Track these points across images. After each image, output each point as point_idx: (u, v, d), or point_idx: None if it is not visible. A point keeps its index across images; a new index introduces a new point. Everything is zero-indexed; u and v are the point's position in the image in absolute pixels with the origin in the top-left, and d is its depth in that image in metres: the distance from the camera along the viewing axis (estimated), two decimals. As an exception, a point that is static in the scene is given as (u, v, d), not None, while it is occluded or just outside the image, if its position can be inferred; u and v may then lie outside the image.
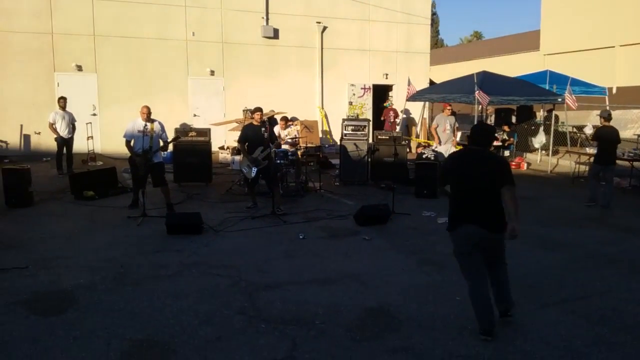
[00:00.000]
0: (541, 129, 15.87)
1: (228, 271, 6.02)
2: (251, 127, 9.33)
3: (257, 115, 9.30)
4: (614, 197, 10.14)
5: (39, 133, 14.73)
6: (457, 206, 4.69)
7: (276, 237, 7.60)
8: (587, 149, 13.42)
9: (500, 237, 4.56)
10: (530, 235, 7.89)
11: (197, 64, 16.69)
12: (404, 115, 18.16)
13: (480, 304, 4.49)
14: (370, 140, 12.46)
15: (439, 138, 12.43)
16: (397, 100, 18.75)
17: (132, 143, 8.78)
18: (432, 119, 19.42)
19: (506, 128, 15.90)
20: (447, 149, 12.08)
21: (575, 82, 15.98)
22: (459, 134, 13.25)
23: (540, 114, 17.81)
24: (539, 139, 15.88)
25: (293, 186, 10.93)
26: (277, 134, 11.31)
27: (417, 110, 17.67)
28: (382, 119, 17.63)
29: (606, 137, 9.92)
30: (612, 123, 10.25)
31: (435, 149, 12.40)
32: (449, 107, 12.70)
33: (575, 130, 17.63)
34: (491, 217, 4.48)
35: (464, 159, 4.78)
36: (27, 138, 14.94)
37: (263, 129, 9.12)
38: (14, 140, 14.84)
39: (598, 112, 12.02)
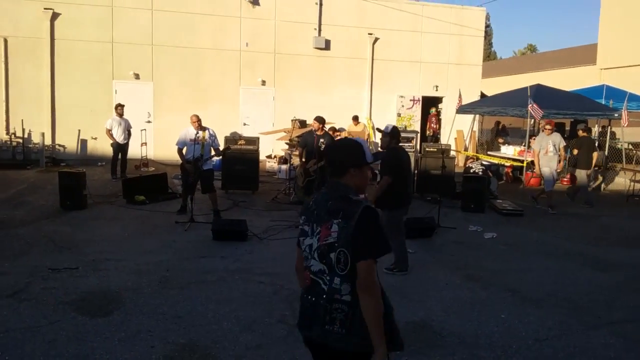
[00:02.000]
0: (596, 144, 15.35)
1: (270, 278, 6.08)
2: (309, 136, 9.45)
3: (315, 124, 9.41)
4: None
5: (95, 138, 15.30)
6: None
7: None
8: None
9: None
10: (581, 254, 7.67)
11: (249, 74, 16.99)
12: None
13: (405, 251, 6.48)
14: (419, 152, 12.35)
15: (539, 166, 11.18)
16: (447, 112, 18.54)
17: (184, 150, 9.01)
18: (481, 131, 19.13)
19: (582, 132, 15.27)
20: (550, 171, 10.96)
21: (634, 98, 15.40)
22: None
23: (595, 129, 17.24)
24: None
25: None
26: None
27: (467, 123, 17.41)
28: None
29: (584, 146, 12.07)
30: None
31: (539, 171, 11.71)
32: (548, 126, 11.37)
33: (631, 147, 16.99)
34: None
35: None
36: (84, 143, 15.53)
37: (322, 140, 9.20)
38: (71, 144, 15.46)
39: None
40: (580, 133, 12.67)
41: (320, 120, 9.52)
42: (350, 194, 2.50)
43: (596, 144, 13.61)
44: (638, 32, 25.68)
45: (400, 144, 6.97)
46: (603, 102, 15.26)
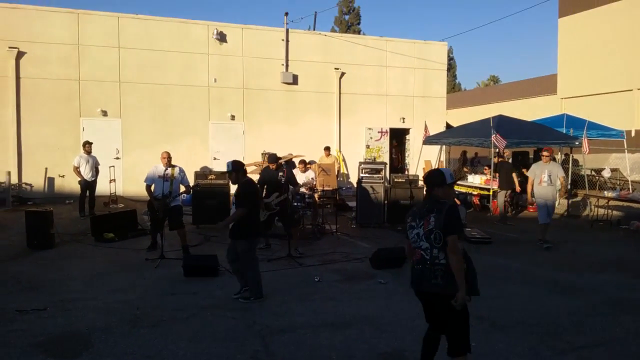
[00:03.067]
0: (511, 167, 15.79)
1: (242, 314, 6.05)
2: (268, 171, 9.51)
3: (271, 166, 9.54)
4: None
5: (63, 176, 15.11)
6: None
7: (292, 279, 7.64)
8: (605, 192, 13.32)
9: None
10: (549, 280, 7.83)
11: (218, 109, 17.09)
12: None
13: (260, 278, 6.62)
14: (387, 184, 12.53)
15: (530, 195, 10.61)
16: (415, 143, 18.90)
17: (152, 187, 9.00)
18: (449, 161, 19.51)
19: (524, 171, 15.84)
20: (545, 203, 10.24)
21: (593, 126, 15.98)
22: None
23: (558, 157, 17.75)
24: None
25: (310, 228, 11.00)
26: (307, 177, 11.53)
27: (435, 153, 17.75)
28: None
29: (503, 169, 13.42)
30: (631, 165, 10.96)
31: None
32: (546, 153, 10.47)
33: (593, 173, 17.52)
34: None
35: None
36: (51, 181, 15.30)
37: (280, 173, 9.27)
38: (38, 182, 15.22)
39: (617, 155, 12.39)
40: (496, 160, 13.78)
41: (273, 159, 9.69)
42: (439, 200, 4.02)
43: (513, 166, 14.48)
44: (595, 62, 26.74)
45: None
46: (564, 131, 15.77)
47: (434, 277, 3.89)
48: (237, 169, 6.73)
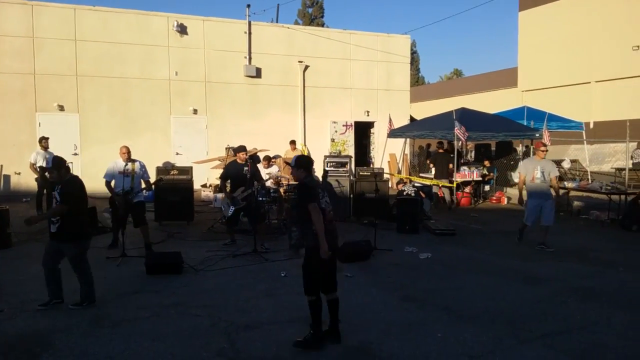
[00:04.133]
0: (520, 163, 16.07)
1: (208, 311, 5.94)
2: (234, 165, 9.36)
3: (241, 155, 9.33)
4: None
5: (19, 173, 14.64)
6: None
7: (258, 275, 7.54)
8: (565, 182, 13.61)
9: None
10: (512, 270, 7.95)
11: (180, 103, 16.80)
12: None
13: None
14: (352, 177, 12.53)
15: (521, 193, 9.60)
16: (379, 136, 18.97)
17: (112, 183, 8.75)
18: (413, 154, 19.66)
19: (487, 163, 16.12)
20: (538, 203, 9.25)
21: (553, 118, 16.32)
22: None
23: (519, 149, 18.08)
24: (518, 174, 16.05)
25: (275, 223, 10.91)
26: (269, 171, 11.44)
27: (399, 146, 17.86)
28: None
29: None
30: (590, 156, 10.86)
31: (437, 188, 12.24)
32: (543, 148, 9.49)
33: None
34: None
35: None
36: (6, 178, 14.81)
37: (246, 168, 9.13)
38: (-7, 180, 14.71)
39: (577, 146, 12.53)
40: (439, 150, 14.81)
41: (242, 149, 9.45)
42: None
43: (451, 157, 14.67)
44: (554, 55, 27.36)
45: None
46: (525, 123, 16.07)
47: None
48: (58, 165, 6.11)
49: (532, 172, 9.23)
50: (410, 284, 7.19)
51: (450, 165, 14.21)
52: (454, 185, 13.96)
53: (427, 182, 14.59)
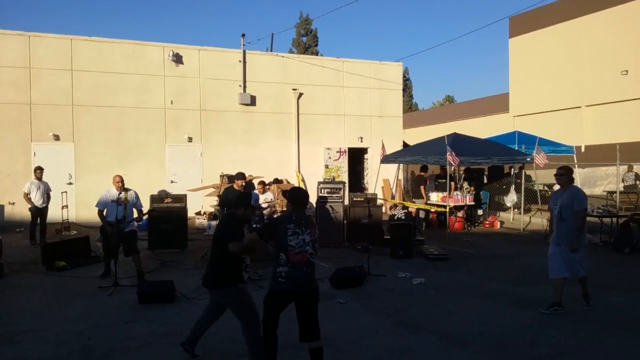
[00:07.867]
0: (512, 187, 16.18)
1: (200, 341, 5.90)
2: (232, 192, 9.46)
3: (239, 182, 9.51)
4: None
5: (13, 203, 14.63)
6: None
7: (250, 303, 7.51)
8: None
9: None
10: (505, 294, 7.96)
11: (175, 131, 16.91)
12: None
13: None
14: (346, 203, 12.58)
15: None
16: (373, 162, 19.08)
17: (105, 212, 8.77)
18: (406, 179, 19.74)
19: (472, 189, 16.17)
20: (561, 249, 7.14)
21: (544, 142, 16.46)
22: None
23: (512, 173, 18.18)
24: (511, 198, 16.14)
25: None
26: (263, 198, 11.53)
27: (393, 172, 17.94)
28: None
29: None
30: (582, 180, 10.90)
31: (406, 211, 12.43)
32: (556, 174, 7.25)
33: (546, 188, 18.01)
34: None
35: None
36: (0, 208, 14.79)
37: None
38: (-13, 210, 14.69)
39: None
40: (416, 173, 15.37)
41: (242, 176, 9.81)
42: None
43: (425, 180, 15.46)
44: (544, 80, 27.72)
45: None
46: (516, 147, 16.20)
47: (315, 278, 4.75)
48: None
49: (553, 206, 7.25)
50: (404, 309, 7.19)
51: (422, 187, 14.81)
52: (424, 206, 14.33)
53: (422, 207, 14.64)
